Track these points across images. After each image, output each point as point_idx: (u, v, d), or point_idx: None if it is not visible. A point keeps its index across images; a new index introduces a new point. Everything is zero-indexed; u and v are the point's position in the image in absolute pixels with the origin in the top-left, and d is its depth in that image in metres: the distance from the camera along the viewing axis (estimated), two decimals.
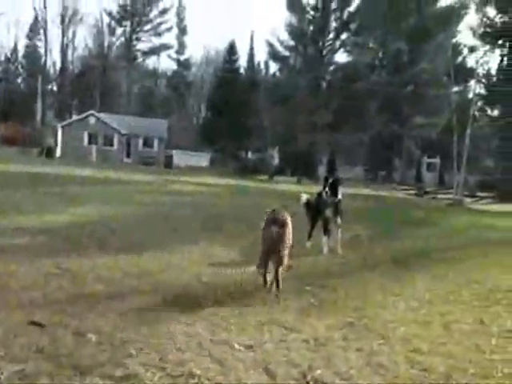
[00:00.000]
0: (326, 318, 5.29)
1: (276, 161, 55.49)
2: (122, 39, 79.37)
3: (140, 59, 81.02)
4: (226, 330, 4.70)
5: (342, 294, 6.25)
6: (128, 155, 51.28)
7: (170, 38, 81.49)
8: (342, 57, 66.60)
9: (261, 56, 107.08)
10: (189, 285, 6.17)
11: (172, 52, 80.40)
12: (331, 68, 54.17)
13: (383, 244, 10.58)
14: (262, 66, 76.37)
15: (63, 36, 77.78)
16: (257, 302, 5.63)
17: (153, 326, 4.60)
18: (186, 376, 3.64)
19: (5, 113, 64.83)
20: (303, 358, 4.19)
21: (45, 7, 76.54)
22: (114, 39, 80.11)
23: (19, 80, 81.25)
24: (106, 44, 79.20)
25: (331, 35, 53.14)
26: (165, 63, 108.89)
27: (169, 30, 79.26)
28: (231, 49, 63.08)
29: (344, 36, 53.00)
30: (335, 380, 3.84)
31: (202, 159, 57.51)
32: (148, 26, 79.25)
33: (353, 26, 51.94)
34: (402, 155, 50.91)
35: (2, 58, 79.85)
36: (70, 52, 79.85)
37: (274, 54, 55.94)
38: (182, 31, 79.59)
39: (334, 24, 53.08)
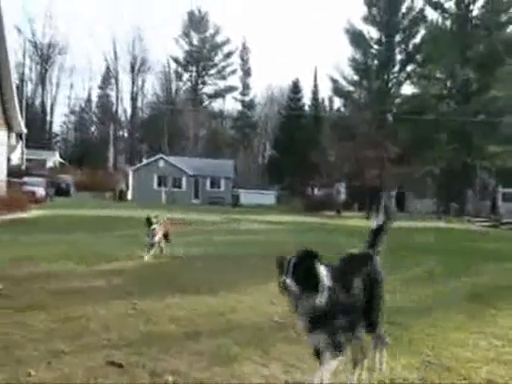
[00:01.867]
0: (401, 357, 5.12)
1: (343, 196, 55.01)
2: (189, 84, 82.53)
3: (206, 102, 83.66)
4: (300, 370, 4.65)
5: (417, 333, 6.04)
6: (196, 196, 52.48)
7: (235, 80, 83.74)
8: (407, 89, 66.20)
9: (324, 92, 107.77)
10: (261, 324, 6.16)
11: (237, 93, 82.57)
12: (397, 100, 53.74)
13: (459, 279, 10.18)
14: (326, 102, 76.88)
15: (133, 84, 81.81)
16: None
17: (227, 367, 4.61)
18: None
19: (80, 160, 68.26)
20: None
21: (115, 58, 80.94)
22: (180, 84, 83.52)
23: (93, 128, 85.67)
24: (173, 89, 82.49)
25: (396, 68, 52.93)
26: (230, 104, 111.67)
27: (233, 72, 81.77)
28: (295, 87, 63.96)
29: (409, 68, 52.69)
30: None
31: (269, 197, 57.95)
32: (213, 70, 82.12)
33: (418, 57, 51.45)
34: (475, 186, 49.17)
35: (77, 109, 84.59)
36: (139, 99, 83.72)
37: (337, 90, 56.23)
38: (246, 73, 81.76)
39: (398, 56, 52.89)
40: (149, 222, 10.91)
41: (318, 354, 3.91)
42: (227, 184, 54.07)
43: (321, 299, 3.64)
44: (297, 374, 4.56)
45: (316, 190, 60.59)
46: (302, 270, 3.62)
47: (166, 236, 11.69)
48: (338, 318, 3.75)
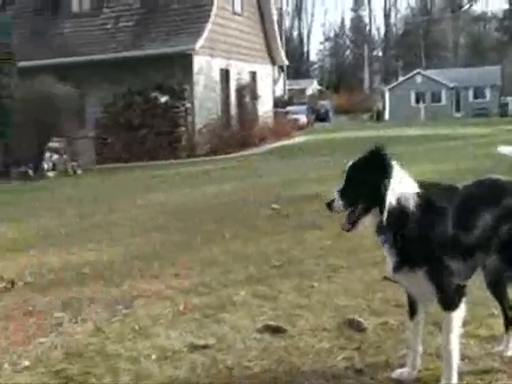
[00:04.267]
0: None
1: None
2: None
3: (466, 6, 76.28)
4: None
5: None
6: (458, 109, 49.20)
7: None
8: None
9: None
10: None
11: None
12: None
13: None
14: None
15: (386, 1, 78.76)
16: None
17: None
18: None
19: (336, 84, 69.45)
20: None
21: None
22: None
23: (347, 52, 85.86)
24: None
25: None
26: (495, 4, 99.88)
27: None
28: None
29: None
30: None
31: None
32: None
33: None
34: None
35: (332, 35, 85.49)
36: (392, 15, 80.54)
37: None
38: None
39: None
40: None
41: (411, 306, 2.95)
42: (493, 92, 49.28)
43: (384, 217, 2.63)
44: None
45: None
46: (358, 180, 2.68)
47: None
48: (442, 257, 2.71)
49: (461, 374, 2.82)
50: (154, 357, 3.40)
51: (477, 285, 3.19)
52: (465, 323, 3.01)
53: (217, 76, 21.07)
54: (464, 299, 2.79)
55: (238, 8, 22.63)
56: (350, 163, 2.76)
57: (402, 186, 2.69)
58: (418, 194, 2.73)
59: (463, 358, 2.90)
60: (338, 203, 2.72)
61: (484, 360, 3.12)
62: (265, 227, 7.01)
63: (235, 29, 22.31)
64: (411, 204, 2.70)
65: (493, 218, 2.87)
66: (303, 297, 4.36)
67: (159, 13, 20.34)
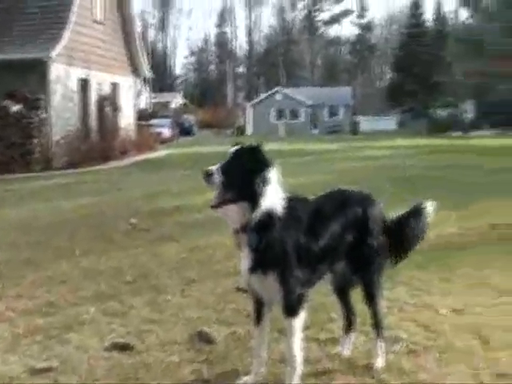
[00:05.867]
0: None
1: (470, 115, 51.49)
2: (304, 13, 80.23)
3: (322, 29, 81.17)
4: (428, 294, 4.49)
5: None
6: (315, 126, 51.97)
7: (351, 3, 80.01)
8: None
9: (448, 5, 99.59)
10: None
11: (353, 17, 79.06)
12: None
13: None
14: (451, 15, 70.88)
15: (249, 19, 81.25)
16: (462, 265, 5.29)
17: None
18: (392, 340, 3.53)
19: (201, 99, 70.13)
20: None
21: None
22: (295, 14, 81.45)
23: (212, 67, 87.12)
24: (288, 20, 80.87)
25: None
26: (346, 29, 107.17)
27: None
28: (416, 2, 59.62)
29: None
30: None
31: (389, 122, 55.77)
32: None
33: None
34: None
35: (196, 50, 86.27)
36: (255, 33, 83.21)
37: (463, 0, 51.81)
38: None
39: None
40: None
41: (258, 307, 3.05)
42: (346, 111, 52.83)
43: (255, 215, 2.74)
44: (426, 297, 4.42)
45: (440, 111, 57.22)
46: (240, 164, 2.77)
47: None
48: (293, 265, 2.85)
49: (302, 376, 2.96)
50: None
51: (318, 291, 3.38)
52: (306, 328, 3.18)
53: (75, 86, 20.24)
54: (306, 305, 2.93)
55: (98, 16, 21.95)
56: (237, 148, 2.87)
57: (276, 192, 2.81)
58: (284, 202, 2.85)
59: (305, 360, 3.04)
60: (216, 178, 2.75)
61: (323, 362, 3.30)
62: (121, 242, 6.84)
63: (96, 38, 21.61)
64: (279, 211, 2.82)
65: (340, 226, 3.07)
66: (155, 311, 4.31)
67: (15, 17, 19.10)
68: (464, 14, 61.92)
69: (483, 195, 9.42)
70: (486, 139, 29.24)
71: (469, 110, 51.66)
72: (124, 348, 3.58)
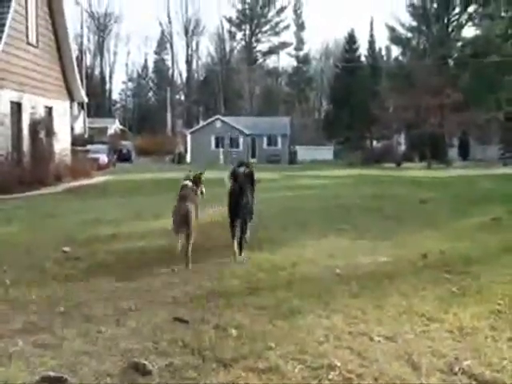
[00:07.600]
0: (470, 306, 4.98)
1: (403, 147, 53.64)
2: (243, 43, 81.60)
3: (260, 60, 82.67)
4: (363, 322, 4.60)
5: (486, 281, 5.85)
6: (254, 155, 52.48)
7: (289, 36, 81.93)
8: (469, 31, 62.51)
9: (381, 42, 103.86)
10: (322, 277, 6.13)
11: (291, 49, 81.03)
12: (458, 44, 51.29)
13: None
14: (384, 51, 74.11)
15: (188, 47, 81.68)
16: (393, 293, 5.46)
17: (290, 319, 4.62)
18: (326, 368, 3.60)
19: (139, 125, 69.49)
20: (448, 349, 3.98)
21: (169, 22, 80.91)
22: (234, 44, 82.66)
23: (150, 94, 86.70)
24: (227, 49, 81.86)
25: (457, 10, 50.27)
26: (284, 61, 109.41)
27: (287, 27, 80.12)
28: (351, 38, 61.89)
29: (471, 8, 49.86)
30: (486, 372, 3.59)
31: (326, 152, 57.30)
32: (266, 27, 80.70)
33: None
34: None
35: (135, 76, 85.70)
36: (194, 62, 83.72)
37: (395, 38, 54.37)
38: (300, 27, 79.90)
39: None
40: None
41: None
42: (284, 141, 53.71)
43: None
44: (361, 325, 4.52)
45: (374, 143, 59.29)
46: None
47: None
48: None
49: None
50: None
51: (256, 320, 3.39)
52: (244, 357, 3.16)
53: (7, 109, 19.59)
54: None
55: (32, 39, 21.44)
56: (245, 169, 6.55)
57: None
58: None
59: None
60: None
61: None
62: (53, 271, 6.61)
63: (29, 60, 21.06)
64: None
65: None
66: (89, 343, 4.18)
67: None
68: (396, 51, 65.07)
69: (415, 224, 9.81)
70: (415, 170, 30.45)
71: (401, 143, 53.85)
72: (56, 381, 3.45)
